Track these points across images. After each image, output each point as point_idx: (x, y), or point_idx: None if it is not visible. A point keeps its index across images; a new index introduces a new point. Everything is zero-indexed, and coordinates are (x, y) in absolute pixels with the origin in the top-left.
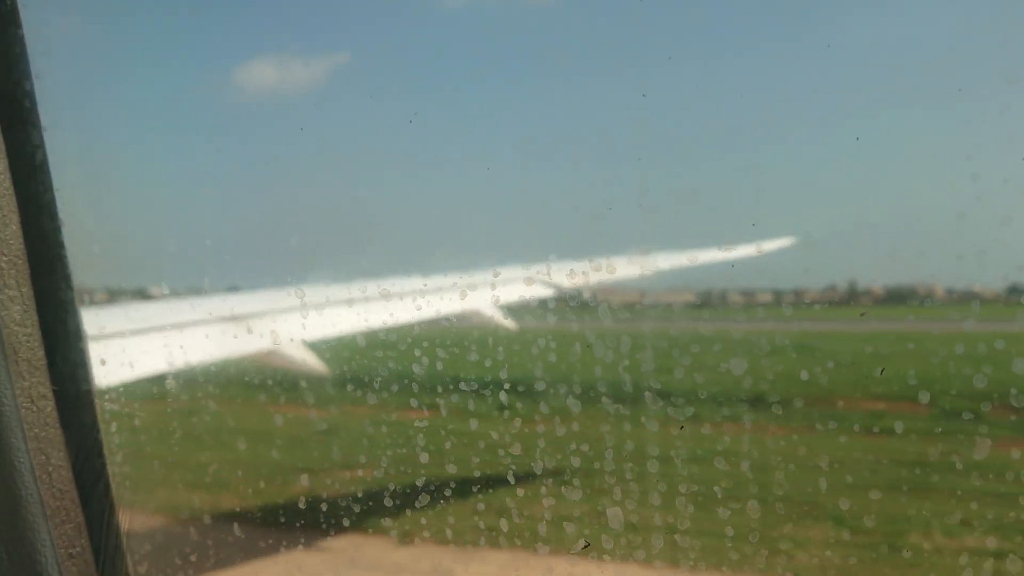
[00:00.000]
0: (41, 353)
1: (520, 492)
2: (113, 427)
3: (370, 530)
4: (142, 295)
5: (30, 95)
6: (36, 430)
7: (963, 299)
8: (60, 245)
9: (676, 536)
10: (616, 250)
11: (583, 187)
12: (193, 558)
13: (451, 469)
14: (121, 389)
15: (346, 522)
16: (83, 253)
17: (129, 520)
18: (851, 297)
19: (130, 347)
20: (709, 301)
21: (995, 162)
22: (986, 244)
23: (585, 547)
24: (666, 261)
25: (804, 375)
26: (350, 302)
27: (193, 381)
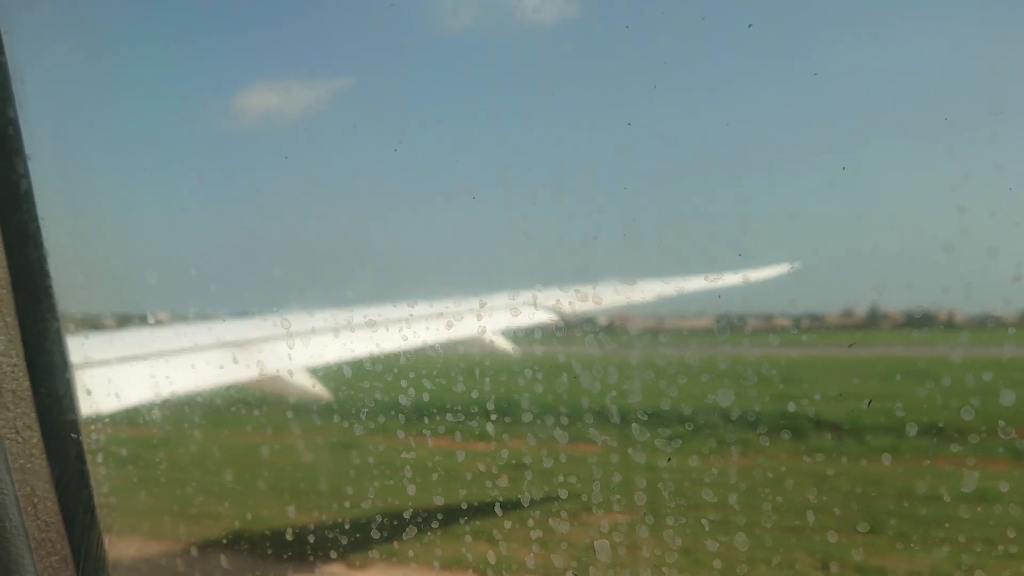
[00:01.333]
0: (26, 383)
1: (506, 523)
2: (99, 458)
3: (356, 561)
4: (128, 323)
5: (14, 123)
6: (21, 461)
7: (950, 329)
8: (45, 275)
9: (664, 569)
10: (602, 279)
11: (569, 216)
12: None
13: (437, 500)
14: (107, 419)
15: (333, 553)
16: (69, 282)
17: (116, 552)
18: (838, 326)
19: (116, 376)
20: (696, 330)
21: (981, 193)
22: (972, 276)
23: None
24: (652, 290)
25: (791, 406)
26: (336, 330)
27: (179, 410)
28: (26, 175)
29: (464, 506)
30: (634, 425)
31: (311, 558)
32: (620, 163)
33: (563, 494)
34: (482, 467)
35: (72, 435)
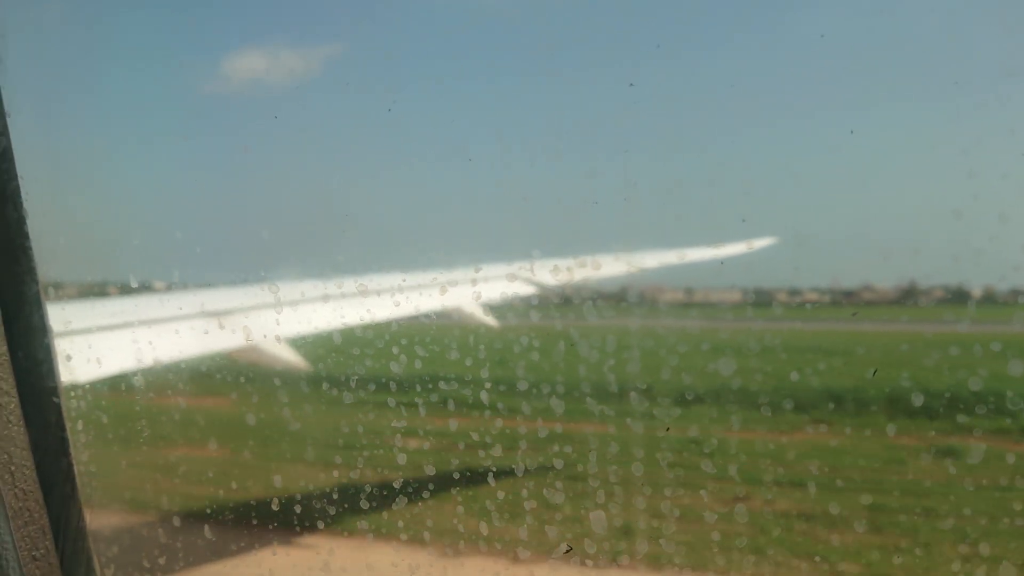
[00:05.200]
0: (4, 348)
1: (500, 494)
2: (80, 425)
3: (345, 532)
4: (110, 290)
5: None
6: None
7: (958, 299)
8: (25, 236)
9: (661, 541)
10: (601, 247)
11: (568, 181)
12: (162, 561)
13: (429, 470)
14: (88, 386)
15: (320, 523)
16: (49, 246)
17: (96, 521)
18: (843, 296)
19: (97, 343)
20: (697, 299)
21: (993, 158)
22: (983, 243)
23: (568, 551)
24: (653, 258)
25: (794, 376)
26: (326, 298)
27: (163, 378)
28: (5, 133)
29: (456, 476)
30: (632, 394)
31: (297, 528)
32: (621, 126)
33: (558, 464)
34: (475, 436)
35: (52, 401)
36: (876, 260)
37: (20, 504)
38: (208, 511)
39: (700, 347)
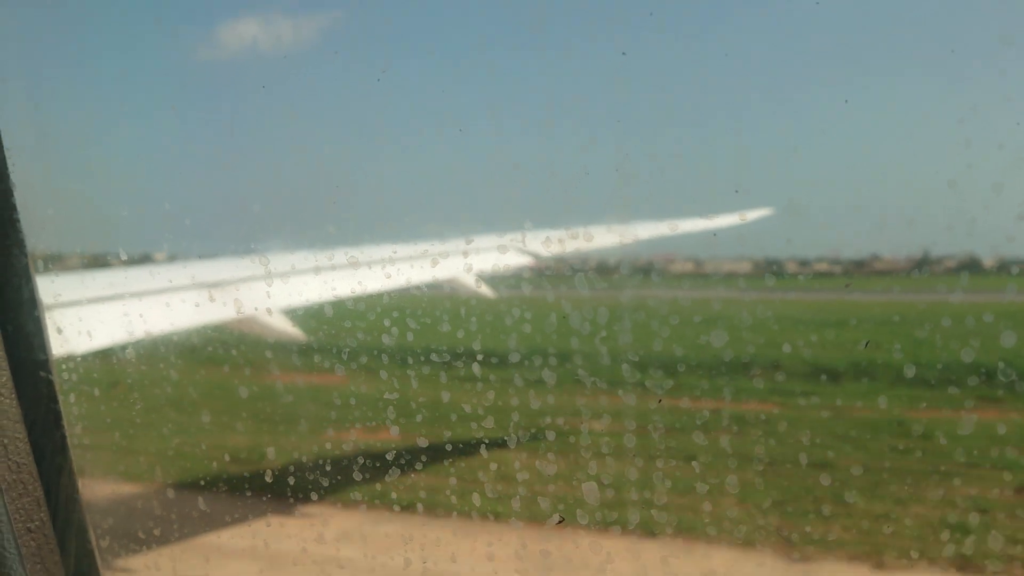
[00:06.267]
0: None
1: (493, 466)
2: (72, 398)
3: (339, 502)
4: (99, 262)
5: None
6: None
7: (952, 270)
8: (12, 208)
9: (652, 511)
10: (594, 218)
11: (559, 151)
12: (157, 531)
13: (421, 442)
14: (79, 359)
15: (314, 494)
16: (37, 217)
17: (90, 492)
18: (836, 267)
19: (87, 316)
20: (689, 271)
21: (989, 126)
22: (976, 212)
23: (560, 522)
24: (645, 230)
25: (787, 348)
26: (317, 270)
27: (154, 351)
28: None
29: (448, 448)
30: (624, 366)
31: (291, 499)
32: (614, 95)
33: (550, 436)
34: (467, 408)
35: (43, 374)
36: (872, 231)
37: (14, 476)
38: (201, 482)
39: (692, 319)
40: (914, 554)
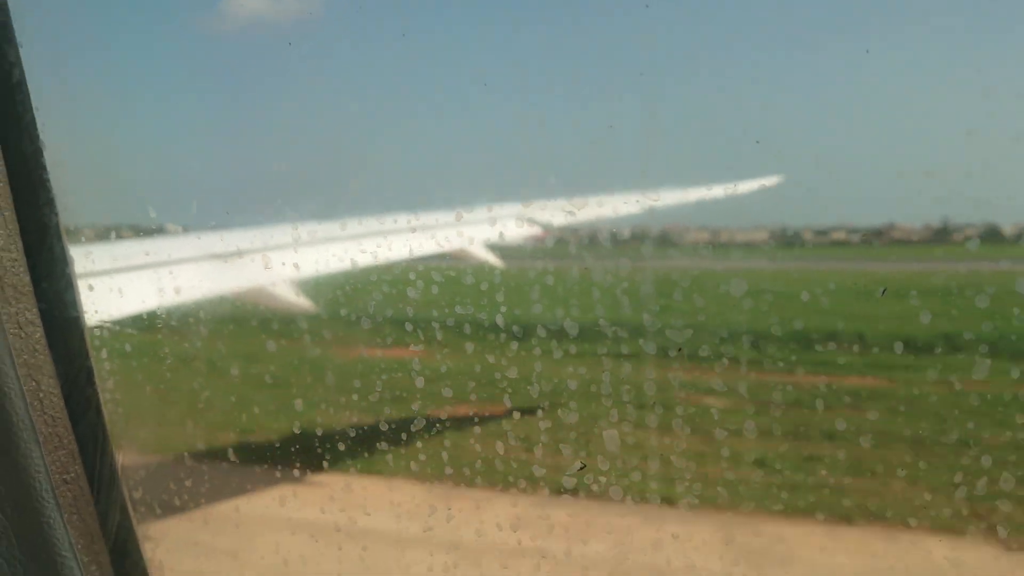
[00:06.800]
0: (27, 279)
1: (512, 435)
2: (103, 354)
3: (359, 467)
4: (126, 231)
5: (3, 7)
6: (25, 356)
7: (967, 236)
8: (42, 168)
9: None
10: (616, 187)
11: (584, 110)
12: (188, 483)
13: (444, 412)
14: (109, 324)
15: (334, 459)
16: (63, 183)
17: (122, 446)
18: (856, 235)
19: (117, 283)
20: (709, 240)
21: (1010, 75)
22: (997, 161)
23: (581, 468)
24: (667, 197)
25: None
26: (339, 239)
27: (183, 317)
28: (18, 63)
29: (471, 415)
30: (641, 340)
31: (314, 464)
32: (638, 49)
33: (572, 385)
34: (485, 378)
35: (75, 331)
36: (897, 190)
37: (49, 430)
38: (229, 448)
39: (708, 285)
40: None
